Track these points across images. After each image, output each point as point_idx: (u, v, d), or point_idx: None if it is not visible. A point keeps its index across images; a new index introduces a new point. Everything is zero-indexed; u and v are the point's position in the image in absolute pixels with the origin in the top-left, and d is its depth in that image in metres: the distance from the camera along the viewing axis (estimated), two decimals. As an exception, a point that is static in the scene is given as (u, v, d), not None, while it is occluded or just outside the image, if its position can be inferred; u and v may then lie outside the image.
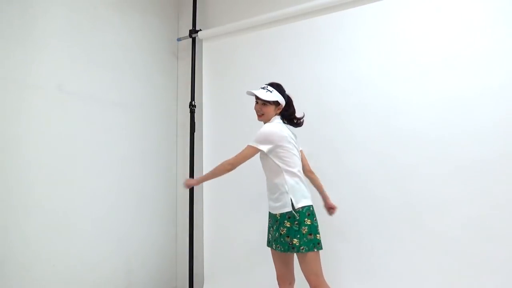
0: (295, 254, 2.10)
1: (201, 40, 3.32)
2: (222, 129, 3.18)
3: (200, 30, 3.30)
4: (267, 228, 2.24)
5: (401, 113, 2.46)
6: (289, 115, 2.24)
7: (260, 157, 2.17)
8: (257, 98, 2.19)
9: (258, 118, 2.23)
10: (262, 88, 2.19)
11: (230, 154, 3.09)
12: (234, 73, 3.16)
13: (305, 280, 2.05)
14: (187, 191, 3.25)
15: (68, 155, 2.60)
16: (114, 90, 2.95)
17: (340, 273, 2.53)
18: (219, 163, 2.16)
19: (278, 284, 2.20)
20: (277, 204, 2.07)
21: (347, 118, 2.61)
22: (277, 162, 2.09)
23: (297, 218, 2.00)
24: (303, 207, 2.02)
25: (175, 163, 3.46)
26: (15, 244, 2.30)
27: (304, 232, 1.99)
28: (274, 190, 2.10)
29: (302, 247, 1.97)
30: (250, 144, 2.12)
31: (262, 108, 2.18)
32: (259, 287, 2.81)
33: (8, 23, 2.33)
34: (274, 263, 2.20)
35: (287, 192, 2.04)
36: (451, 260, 2.26)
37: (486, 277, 2.17)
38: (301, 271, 2.05)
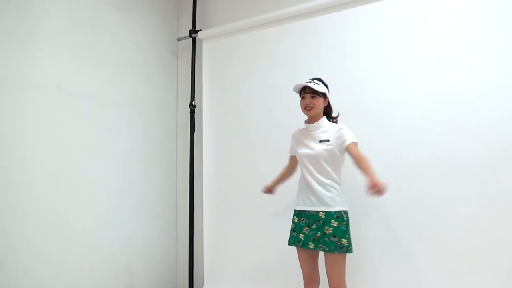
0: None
1: (201, 40, 3.32)
2: (222, 129, 3.18)
3: (200, 30, 3.30)
4: (293, 227, 2.20)
5: (401, 113, 2.46)
6: (329, 112, 2.26)
7: (328, 155, 2.10)
8: (306, 91, 2.14)
9: (306, 112, 2.17)
10: (308, 82, 2.15)
11: (230, 154, 3.13)
12: (234, 73, 3.16)
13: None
14: (187, 191, 3.25)
15: (68, 155, 2.60)
16: (114, 90, 2.95)
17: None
18: (363, 160, 1.99)
19: (306, 286, 2.18)
20: (327, 203, 2.07)
21: (347, 118, 2.60)
22: (340, 161, 2.15)
23: (345, 219, 2.06)
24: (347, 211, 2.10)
25: (175, 163, 3.46)
26: (15, 245, 2.29)
27: (349, 233, 2.06)
28: (329, 187, 2.09)
29: (350, 247, 2.03)
30: (354, 141, 2.08)
31: (312, 101, 2.13)
32: None
33: (8, 23, 2.33)
34: (305, 265, 2.17)
35: (342, 192, 2.12)
36: (450, 259, 2.25)
37: (487, 277, 2.16)
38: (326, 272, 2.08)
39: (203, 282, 3.12)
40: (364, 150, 2.51)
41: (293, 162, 2.37)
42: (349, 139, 2.08)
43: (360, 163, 2.00)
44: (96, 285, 2.72)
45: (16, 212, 2.31)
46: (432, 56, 2.39)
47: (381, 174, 2.45)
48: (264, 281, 2.81)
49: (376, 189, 1.84)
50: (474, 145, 2.23)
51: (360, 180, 2.54)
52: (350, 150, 2.06)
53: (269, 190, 2.46)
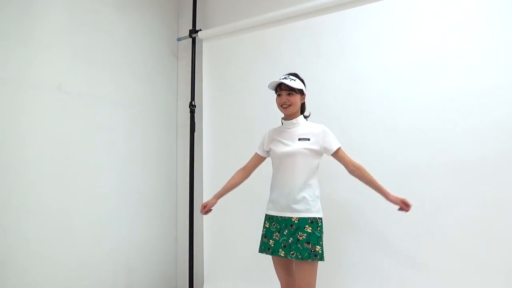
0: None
1: (201, 40, 3.32)
2: (222, 129, 3.18)
3: (200, 30, 3.30)
4: (264, 233, 2.09)
5: (401, 113, 2.46)
6: (302, 109, 2.15)
7: (307, 154, 2.00)
8: (282, 88, 2.02)
9: (284, 110, 2.06)
10: (283, 78, 2.02)
11: (230, 154, 3.13)
12: (234, 73, 3.16)
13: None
14: (187, 191, 3.25)
15: (68, 155, 2.59)
16: (114, 90, 2.95)
17: (339, 272, 2.53)
18: (362, 171, 2.02)
19: None
20: (300, 207, 1.94)
21: (347, 118, 2.62)
22: (317, 164, 2.04)
23: (319, 224, 1.95)
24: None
25: (175, 163, 3.46)
26: (15, 244, 2.29)
27: (323, 239, 1.94)
28: (302, 192, 1.96)
29: (323, 255, 1.92)
30: (340, 147, 2.05)
31: (289, 98, 2.02)
32: None
33: (8, 23, 2.33)
34: (281, 274, 2.07)
35: (318, 197, 2.01)
36: (451, 259, 2.25)
37: (486, 277, 2.17)
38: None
39: (203, 282, 3.12)
40: (364, 150, 2.53)
41: (256, 162, 2.22)
42: (336, 143, 2.03)
43: (358, 174, 2.02)
44: (96, 284, 2.72)
45: (16, 212, 2.31)
46: (433, 56, 2.39)
47: (381, 174, 2.47)
48: (264, 281, 2.81)
49: (407, 208, 1.94)
50: (474, 145, 2.23)
51: (358, 180, 2.55)
52: (342, 157, 2.03)
53: (210, 208, 2.26)
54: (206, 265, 3.12)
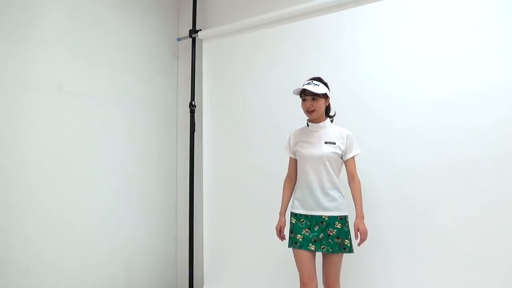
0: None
1: (201, 40, 3.32)
2: (222, 129, 3.18)
3: (200, 30, 3.30)
4: (291, 228, 2.15)
5: (401, 113, 2.46)
6: (327, 111, 2.21)
7: (333, 157, 2.10)
8: (307, 94, 2.07)
9: (309, 115, 2.12)
10: (307, 84, 2.08)
11: (230, 154, 3.13)
12: (234, 73, 3.16)
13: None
14: (187, 191, 3.25)
15: (68, 155, 2.60)
16: (114, 90, 2.95)
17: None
18: (356, 186, 2.12)
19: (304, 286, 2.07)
20: (330, 206, 2.06)
21: (347, 118, 2.61)
22: (342, 165, 2.17)
23: (347, 220, 2.10)
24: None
25: (175, 163, 3.46)
26: (15, 245, 2.30)
27: (350, 233, 2.07)
28: (331, 191, 2.08)
29: (352, 247, 2.06)
30: (358, 152, 2.15)
31: (313, 103, 2.08)
32: None
33: (8, 23, 2.33)
34: (304, 265, 2.06)
35: (343, 196, 2.12)
36: (450, 259, 2.25)
37: (486, 277, 2.16)
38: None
39: (203, 282, 3.12)
40: (364, 150, 2.52)
41: (295, 164, 2.24)
42: (355, 151, 2.13)
43: (352, 187, 2.13)
44: (96, 285, 2.72)
45: (16, 212, 2.31)
46: (433, 56, 2.38)
47: (380, 174, 2.48)
48: (264, 281, 2.81)
49: (361, 236, 2.05)
50: (474, 145, 2.23)
51: (362, 179, 2.55)
52: (349, 165, 2.14)
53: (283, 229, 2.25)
54: (206, 265, 3.12)
